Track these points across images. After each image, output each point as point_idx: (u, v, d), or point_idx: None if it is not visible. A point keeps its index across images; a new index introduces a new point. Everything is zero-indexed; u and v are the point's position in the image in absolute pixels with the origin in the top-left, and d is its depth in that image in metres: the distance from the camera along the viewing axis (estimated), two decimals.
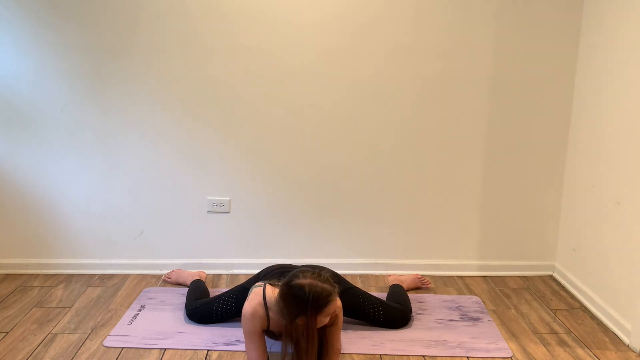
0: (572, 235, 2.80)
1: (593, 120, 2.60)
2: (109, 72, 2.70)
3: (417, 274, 2.83)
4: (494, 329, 2.39)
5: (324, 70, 2.72)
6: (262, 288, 2.03)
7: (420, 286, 2.77)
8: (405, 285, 2.71)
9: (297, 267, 2.33)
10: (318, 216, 2.90)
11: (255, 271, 2.58)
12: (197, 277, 2.73)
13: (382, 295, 2.61)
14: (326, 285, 1.84)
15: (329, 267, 2.42)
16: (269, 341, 2.14)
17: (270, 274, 2.27)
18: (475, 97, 2.77)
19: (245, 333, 2.01)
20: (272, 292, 1.99)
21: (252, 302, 1.99)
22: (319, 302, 1.81)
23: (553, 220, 2.93)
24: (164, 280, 2.82)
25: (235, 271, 2.94)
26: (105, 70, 2.70)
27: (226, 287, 2.75)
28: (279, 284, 1.97)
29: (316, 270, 1.91)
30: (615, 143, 2.41)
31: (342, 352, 2.14)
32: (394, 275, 2.85)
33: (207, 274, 2.89)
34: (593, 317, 2.52)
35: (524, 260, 2.98)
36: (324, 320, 1.86)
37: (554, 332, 2.39)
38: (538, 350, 2.23)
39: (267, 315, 1.98)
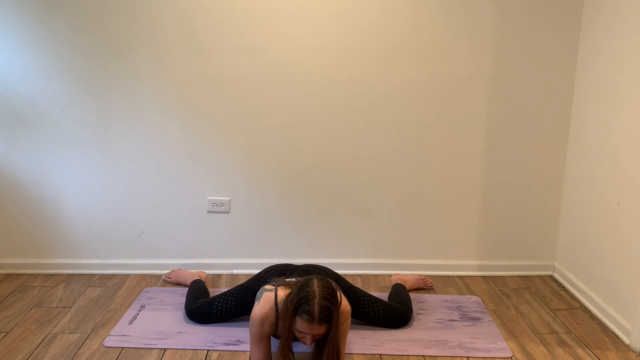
0: (572, 235, 2.80)
1: (593, 120, 2.60)
2: (109, 72, 2.70)
3: (420, 275, 2.83)
4: (494, 329, 2.39)
5: (325, 71, 2.72)
6: (273, 292, 2.01)
7: (422, 287, 2.77)
8: (407, 285, 2.71)
9: (298, 267, 2.34)
10: (318, 216, 2.90)
11: (255, 271, 2.57)
12: (197, 277, 2.73)
13: (383, 295, 2.61)
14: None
15: (329, 267, 2.42)
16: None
17: (270, 274, 2.27)
18: (476, 97, 2.77)
19: (252, 336, 1.99)
20: (283, 292, 1.99)
21: (264, 307, 1.97)
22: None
23: (553, 220, 2.93)
24: (164, 280, 2.82)
25: (235, 271, 2.94)
26: (106, 71, 2.70)
27: (226, 287, 2.75)
28: (292, 285, 1.98)
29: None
30: (615, 143, 2.41)
31: None
32: (397, 274, 2.85)
33: (207, 274, 2.89)
34: (593, 317, 2.52)
35: (524, 260, 2.98)
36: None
37: (554, 332, 2.39)
38: (538, 350, 2.23)
39: (277, 320, 1.98)
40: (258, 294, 2.06)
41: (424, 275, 2.85)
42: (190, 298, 2.49)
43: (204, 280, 2.74)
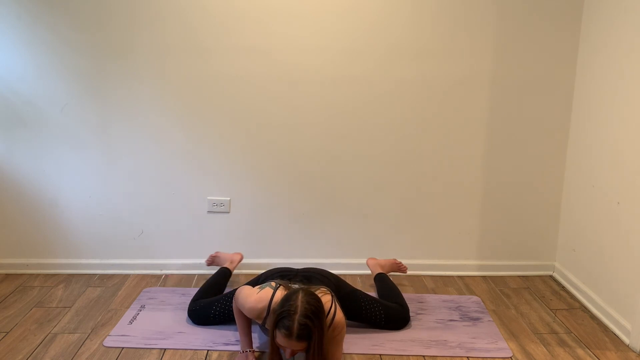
0: (572, 235, 2.80)
1: (593, 120, 2.60)
2: (109, 72, 2.70)
3: (395, 259, 2.81)
4: (494, 329, 2.39)
5: (325, 71, 2.72)
6: (272, 291, 2.03)
7: (397, 271, 2.76)
8: (385, 270, 2.71)
9: (298, 271, 2.34)
10: (318, 216, 2.90)
11: (255, 271, 2.58)
12: (228, 263, 2.69)
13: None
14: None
15: (328, 268, 2.43)
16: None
17: (270, 278, 2.27)
18: (476, 97, 2.77)
19: (240, 305, 2.08)
20: (281, 295, 1.99)
21: (259, 302, 2.00)
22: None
23: (553, 220, 2.93)
24: (207, 264, 2.77)
25: (235, 271, 2.94)
26: (106, 71, 2.70)
27: (226, 287, 2.75)
28: (292, 286, 2.01)
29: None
30: (615, 143, 2.41)
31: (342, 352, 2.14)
32: (373, 258, 2.81)
33: (207, 274, 2.86)
34: (593, 317, 2.52)
35: (524, 260, 2.98)
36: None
37: (554, 332, 2.39)
38: (538, 350, 2.23)
39: (266, 316, 2.00)
40: (264, 284, 2.09)
41: (399, 260, 2.83)
42: (198, 296, 2.47)
43: (239, 261, 2.73)
